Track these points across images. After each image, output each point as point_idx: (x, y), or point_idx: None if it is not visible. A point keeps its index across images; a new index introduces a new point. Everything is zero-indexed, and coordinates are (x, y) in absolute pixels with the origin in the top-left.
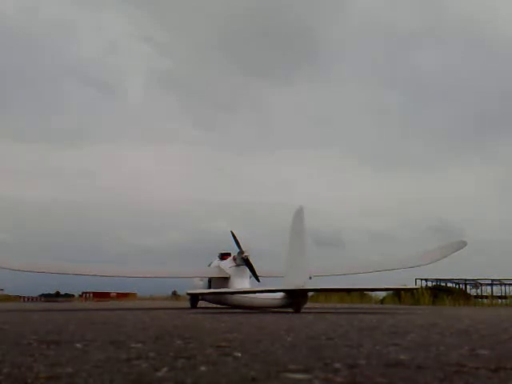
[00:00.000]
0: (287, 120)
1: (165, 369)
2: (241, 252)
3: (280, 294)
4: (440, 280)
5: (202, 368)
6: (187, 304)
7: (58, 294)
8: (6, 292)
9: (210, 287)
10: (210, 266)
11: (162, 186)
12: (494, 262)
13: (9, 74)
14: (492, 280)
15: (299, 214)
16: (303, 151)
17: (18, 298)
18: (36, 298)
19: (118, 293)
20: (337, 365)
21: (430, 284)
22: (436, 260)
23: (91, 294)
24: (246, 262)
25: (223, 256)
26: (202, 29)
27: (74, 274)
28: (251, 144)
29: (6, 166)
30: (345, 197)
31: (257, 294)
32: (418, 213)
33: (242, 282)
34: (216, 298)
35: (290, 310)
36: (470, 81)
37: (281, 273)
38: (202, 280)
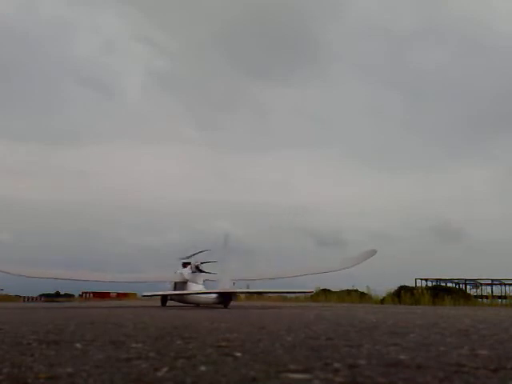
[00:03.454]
0: (287, 120)
1: (165, 369)
2: (194, 262)
3: (215, 295)
4: (440, 280)
5: (202, 368)
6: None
7: (58, 294)
8: (5, 292)
9: (175, 289)
10: (176, 272)
11: (162, 185)
12: (494, 262)
13: (8, 74)
14: (492, 280)
15: (227, 238)
16: (303, 151)
17: (18, 297)
18: (36, 297)
19: (118, 293)
20: (337, 365)
21: (430, 284)
22: (349, 267)
23: (91, 294)
24: (198, 269)
25: (185, 264)
26: (202, 29)
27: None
28: (251, 144)
29: (6, 166)
30: (345, 197)
31: (201, 294)
32: (418, 213)
33: (196, 285)
34: (177, 297)
35: (221, 306)
36: (470, 81)
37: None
38: (170, 283)
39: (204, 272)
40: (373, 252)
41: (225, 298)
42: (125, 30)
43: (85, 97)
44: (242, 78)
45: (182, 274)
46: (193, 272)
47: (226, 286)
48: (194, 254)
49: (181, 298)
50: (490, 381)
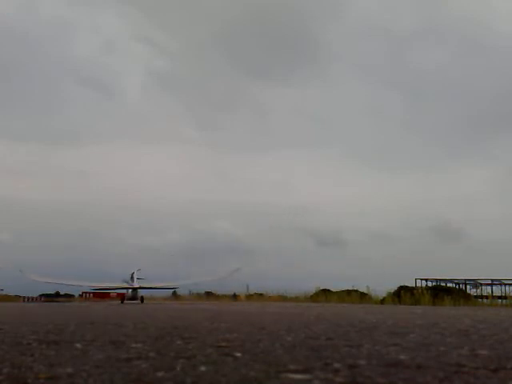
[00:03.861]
0: (287, 120)
1: (165, 369)
2: (131, 277)
3: (131, 290)
4: (440, 280)
5: (202, 368)
6: (186, 302)
7: (57, 294)
8: (5, 292)
9: (128, 293)
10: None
11: (162, 185)
12: (494, 262)
13: (8, 74)
14: (492, 280)
15: (132, 274)
16: (303, 151)
17: (18, 297)
18: (36, 297)
19: (117, 293)
20: (337, 365)
21: (430, 284)
22: (219, 278)
23: (91, 294)
24: (132, 279)
25: (132, 278)
26: (202, 29)
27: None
28: (251, 144)
29: (6, 166)
30: (345, 197)
31: (129, 290)
32: (418, 213)
33: (133, 290)
34: (126, 296)
35: (138, 301)
36: (470, 81)
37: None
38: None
39: (135, 282)
40: (237, 269)
41: (134, 293)
42: (125, 29)
43: (85, 97)
44: (242, 78)
45: (129, 282)
46: (132, 281)
47: (134, 286)
48: (133, 273)
49: (127, 296)
50: (489, 381)
